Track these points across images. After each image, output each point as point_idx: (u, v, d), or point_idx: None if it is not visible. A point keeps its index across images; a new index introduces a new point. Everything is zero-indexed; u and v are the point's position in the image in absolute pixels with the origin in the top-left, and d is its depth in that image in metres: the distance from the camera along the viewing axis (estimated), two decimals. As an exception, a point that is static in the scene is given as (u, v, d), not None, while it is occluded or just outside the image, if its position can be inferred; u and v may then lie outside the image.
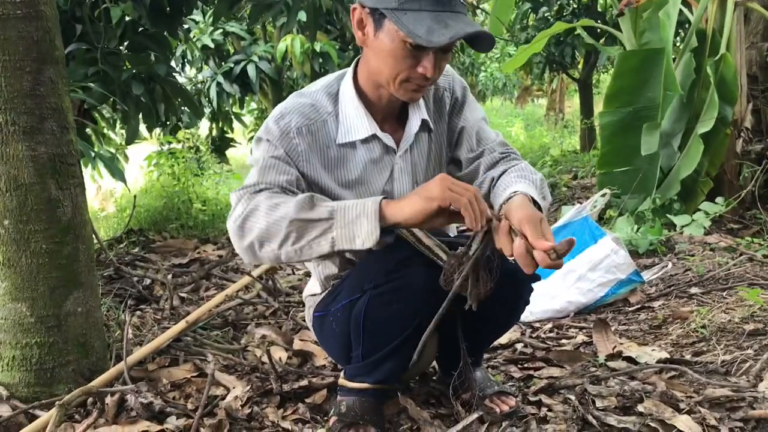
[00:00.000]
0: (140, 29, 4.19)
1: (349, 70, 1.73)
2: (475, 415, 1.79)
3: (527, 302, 1.85)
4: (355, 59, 1.74)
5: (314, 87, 1.76)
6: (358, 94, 1.71)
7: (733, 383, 2.00)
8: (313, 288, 1.94)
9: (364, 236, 1.48)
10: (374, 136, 1.71)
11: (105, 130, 5.34)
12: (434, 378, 2.13)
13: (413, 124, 1.75)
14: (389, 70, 1.58)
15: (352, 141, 1.71)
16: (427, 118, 1.77)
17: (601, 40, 8.81)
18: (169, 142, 6.03)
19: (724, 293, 2.90)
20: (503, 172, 1.74)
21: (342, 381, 1.83)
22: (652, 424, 1.76)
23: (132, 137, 4.52)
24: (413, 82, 1.59)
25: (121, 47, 4.19)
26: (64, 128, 1.97)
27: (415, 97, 1.65)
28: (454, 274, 1.52)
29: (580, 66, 11.06)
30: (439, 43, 1.47)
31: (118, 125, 5.60)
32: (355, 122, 1.70)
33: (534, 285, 1.82)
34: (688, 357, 2.28)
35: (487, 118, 1.92)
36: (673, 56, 4.97)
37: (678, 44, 6.94)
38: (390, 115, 1.76)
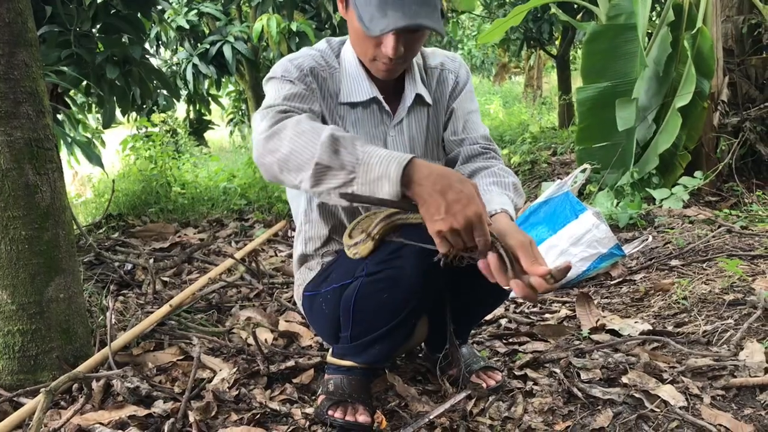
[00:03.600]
0: (113, 11, 4.11)
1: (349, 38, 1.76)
2: (464, 394, 1.81)
3: None
4: None
5: (320, 45, 1.80)
6: (359, 60, 1.74)
7: (714, 353, 2.03)
8: (296, 258, 1.95)
9: (384, 194, 1.36)
10: (374, 100, 1.75)
11: (79, 115, 5.26)
12: (420, 355, 2.14)
13: (408, 96, 1.78)
14: (358, 47, 1.66)
15: (353, 102, 1.74)
16: (422, 93, 1.79)
17: (579, 16, 8.80)
18: (145, 126, 5.95)
19: (704, 265, 2.94)
20: (477, 170, 1.77)
21: (330, 359, 1.84)
22: (637, 395, 1.79)
23: (108, 121, 4.45)
24: (380, 60, 1.63)
25: (94, 29, 4.11)
26: (39, 112, 1.94)
27: (388, 75, 1.69)
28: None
29: (557, 42, 11.05)
30: (372, 34, 1.52)
31: (93, 109, 5.51)
32: (357, 84, 1.74)
33: None
34: (670, 328, 2.31)
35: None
36: (650, 31, 4.98)
37: (654, 19, 6.96)
38: (385, 84, 1.78)
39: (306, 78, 1.68)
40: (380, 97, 1.74)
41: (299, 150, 1.41)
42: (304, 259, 1.93)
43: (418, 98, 1.79)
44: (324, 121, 1.72)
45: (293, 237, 2.12)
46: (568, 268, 1.36)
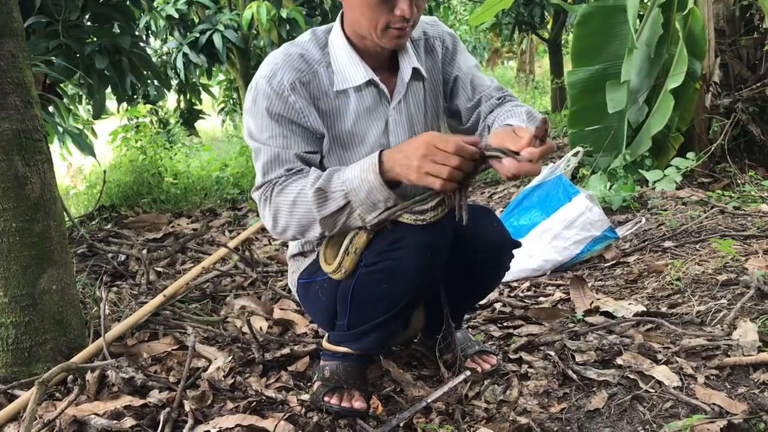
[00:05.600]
0: (102, 0, 4.08)
1: (337, 22, 1.71)
2: (462, 377, 1.80)
3: (508, 268, 1.86)
4: (340, 12, 1.71)
5: (304, 37, 1.74)
6: (349, 44, 1.68)
7: (708, 333, 2.04)
8: (293, 249, 1.93)
9: (384, 201, 1.53)
10: (370, 82, 1.69)
11: (70, 106, 5.23)
12: (415, 340, 2.14)
13: (405, 73, 1.73)
14: (367, 20, 1.57)
15: (349, 88, 1.68)
16: (418, 66, 1.74)
17: (570, -1, 8.78)
18: (137, 117, 5.91)
19: (697, 246, 2.95)
20: (496, 117, 1.74)
21: (326, 345, 1.84)
22: (631, 376, 1.79)
23: (98, 112, 4.42)
24: (394, 27, 1.57)
25: (83, 19, 4.07)
26: (27, 103, 1.92)
27: (400, 43, 1.63)
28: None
29: (549, 26, 11.02)
30: None
31: (84, 100, 5.46)
32: (350, 70, 1.68)
33: (514, 252, 1.83)
34: (664, 309, 2.32)
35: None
36: (641, 12, 4.96)
37: (646, 0, 6.94)
38: (380, 65, 1.73)
39: (288, 100, 1.62)
40: (377, 79, 1.69)
41: (301, 217, 1.59)
42: (300, 254, 1.92)
43: (415, 73, 1.74)
44: (316, 134, 1.68)
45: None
46: (544, 121, 1.39)
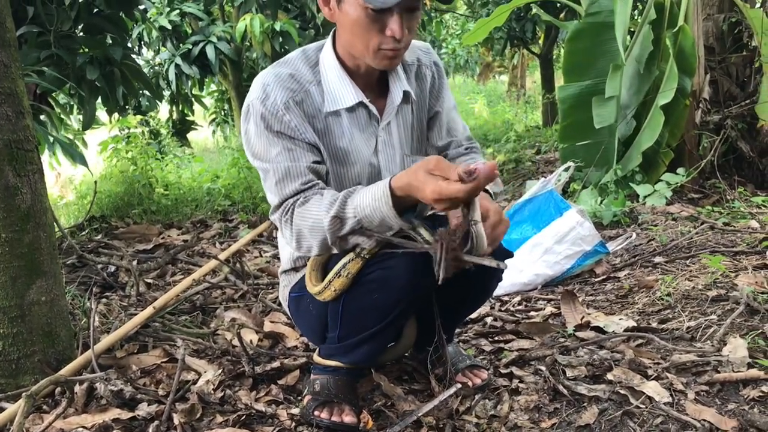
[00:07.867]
0: (95, 10, 4.07)
1: (328, 41, 1.71)
2: (452, 390, 1.80)
3: (500, 280, 1.86)
4: (333, 30, 1.71)
5: (293, 56, 1.74)
6: (340, 64, 1.69)
7: (698, 348, 2.05)
8: (285, 265, 1.93)
9: (395, 227, 1.51)
10: (360, 104, 1.70)
11: (61, 116, 5.22)
12: (406, 354, 2.14)
13: (395, 95, 1.74)
14: (359, 40, 1.57)
15: (339, 109, 1.68)
16: (408, 90, 1.76)
17: (562, 15, 8.85)
18: (128, 127, 5.90)
19: (688, 261, 2.96)
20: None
21: (316, 358, 1.83)
22: (622, 391, 1.79)
23: (88, 122, 4.41)
24: (386, 48, 1.57)
25: (75, 30, 4.06)
26: (19, 113, 1.91)
27: (392, 65, 1.63)
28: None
29: (541, 41, 11.10)
30: (393, 2, 1.47)
31: (75, 111, 5.44)
32: (340, 90, 1.68)
33: (507, 262, 1.82)
34: (654, 324, 2.32)
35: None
36: (632, 29, 5.01)
37: (636, 17, 7.00)
38: (370, 85, 1.74)
39: (283, 119, 1.62)
40: (366, 101, 1.70)
41: (321, 240, 1.58)
42: (293, 269, 1.92)
43: (405, 96, 1.76)
44: (317, 147, 1.68)
45: (278, 238, 2.12)
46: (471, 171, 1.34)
